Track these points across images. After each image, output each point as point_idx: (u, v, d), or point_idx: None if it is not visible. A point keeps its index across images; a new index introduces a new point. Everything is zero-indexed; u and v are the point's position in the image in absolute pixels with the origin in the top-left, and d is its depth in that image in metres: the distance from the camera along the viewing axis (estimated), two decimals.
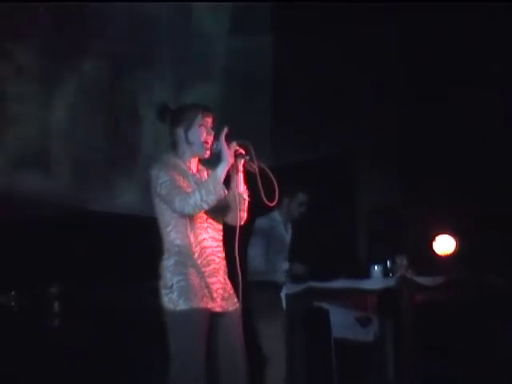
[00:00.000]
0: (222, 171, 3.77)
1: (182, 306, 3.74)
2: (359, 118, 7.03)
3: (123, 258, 5.94)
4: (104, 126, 6.36)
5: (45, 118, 6.10)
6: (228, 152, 3.77)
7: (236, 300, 3.90)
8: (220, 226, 3.95)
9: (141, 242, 5.31)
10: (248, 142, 3.81)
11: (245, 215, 3.92)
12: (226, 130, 3.79)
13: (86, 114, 6.25)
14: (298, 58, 7.08)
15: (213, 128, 3.91)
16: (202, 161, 4.01)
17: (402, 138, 7.09)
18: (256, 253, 5.61)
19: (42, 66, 6.06)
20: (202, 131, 3.90)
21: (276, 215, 5.79)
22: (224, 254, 3.93)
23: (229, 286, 3.92)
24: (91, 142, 6.27)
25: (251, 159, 3.82)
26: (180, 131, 3.91)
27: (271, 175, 3.79)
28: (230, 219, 3.95)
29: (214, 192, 3.74)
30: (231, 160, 3.79)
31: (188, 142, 3.91)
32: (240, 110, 6.74)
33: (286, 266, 5.71)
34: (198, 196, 3.74)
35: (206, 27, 6.95)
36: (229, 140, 3.80)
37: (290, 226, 5.90)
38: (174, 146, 3.95)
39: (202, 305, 3.77)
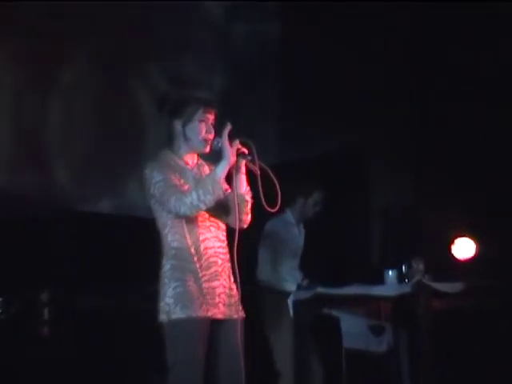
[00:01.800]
0: (222, 170, 3.69)
1: (178, 314, 3.67)
2: (373, 111, 7.00)
3: (119, 262, 5.91)
4: (103, 124, 6.41)
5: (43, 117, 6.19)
6: (230, 150, 3.68)
7: (240, 308, 3.84)
8: (224, 226, 3.88)
9: (139, 245, 5.37)
10: (250, 140, 3.71)
11: (248, 218, 3.84)
12: (228, 126, 3.70)
13: (84, 112, 6.35)
14: (307, 48, 7.06)
15: (214, 125, 3.83)
16: (200, 155, 3.93)
17: (419, 134, 7.05)
18: (262, 259, 5.69)
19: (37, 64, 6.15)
20: (202, 127, 3.81)
21: (288, 217, 5.83)
22: (228, 256, 3.85)
23: (234, 291, 3.84)
24: (90, 141, 6.34)
25: (253, 160, 3.73)
26: (177, 124, 3.82)
27: (274, 178, 3.69)
28: (231, 221, 3.86)
29: (212, 192, 3.65)
30: (233, 158, 3.70)
31: (185, 138, 3.82)
32: (244, 103, 6.74)
33: (300, 276, 5.79)
34: (194, 195, 3.65)
35: (209, 14, 6.91)
36: (231, 137, 3.70)
37: (302, 226, 5.91)
38: (169, 140, 3.87)
39: (201, 313, 3.70)
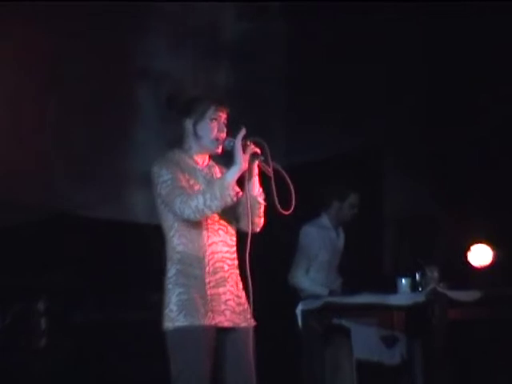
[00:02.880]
0: (232, 176, 3.63)
1: (182, 321, 3.61)
2: (386, 112, 6.95)
3: (119, 270, 5.86)
4: (103, 128, 6.35)
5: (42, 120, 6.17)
6: (242, 156, 3.63)
7: (249, 316, 3.77)
8: (233, 231, 3.82)
9: (140, 251, 5.41)
10: (263, 140, 3.66)
11: (261, 221, 3.80)
12: (243, 130, 3.65)
13: (84, 114, 6.29)
14: (316, 45, 6.97)
15: (226, 125, 3.79)
16: (211, 156, 3.88)
17: (433, 136, 6.98)
18: (295, 263, 5.81)
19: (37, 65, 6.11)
20: (214, 126, 3.76)
21: (325, 221, 5.92)
22: (236, 262, 3.79)
23: (242, 298, 3.78)
24: (90, 144, 6.28)
25: (266, 160, 3.68)
26: (188, 123, 3.78)
27: (287, 179, 3.64)
28: (243, 225, 3.81)
29: (220, 198, 3.60)
30: (245, 165, 3.65)
31: (196, 137, 3.77)
32: (252, 103, 6.69)
33: (338, 280, 5.93)
34: (200, 199, 3.59)
35: (212, 12, 6.87)
36: (245, 140, 3.66)
37: (340, 229, 5.99)
38: (180, 140, 3.82)
39: (206, 321, 3.63)
